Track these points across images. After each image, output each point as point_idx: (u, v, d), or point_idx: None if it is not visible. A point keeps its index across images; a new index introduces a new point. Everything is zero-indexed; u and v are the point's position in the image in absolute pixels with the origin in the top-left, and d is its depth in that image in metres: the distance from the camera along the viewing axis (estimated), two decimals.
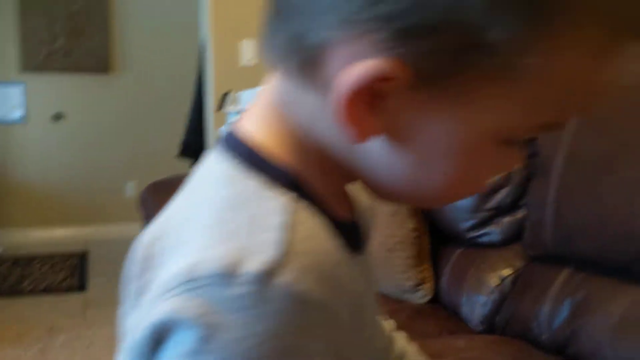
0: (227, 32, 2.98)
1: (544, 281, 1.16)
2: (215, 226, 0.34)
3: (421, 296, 1.43)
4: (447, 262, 1.45)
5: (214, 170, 0.39)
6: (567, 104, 0.36)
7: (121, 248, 0.36)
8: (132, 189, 4.41)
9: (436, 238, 1.49)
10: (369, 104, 0.34)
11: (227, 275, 0.31)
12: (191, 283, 0.31)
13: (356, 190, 0.47)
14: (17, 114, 4.27)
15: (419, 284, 1.42)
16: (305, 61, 0.36)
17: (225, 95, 2.84)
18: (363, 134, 0.35)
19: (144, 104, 4.39)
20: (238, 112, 2.50)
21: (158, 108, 4.40)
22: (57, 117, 4.30)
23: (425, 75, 0.33)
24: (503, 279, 1.28)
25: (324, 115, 0.37)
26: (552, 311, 1.10)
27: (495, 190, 1.34)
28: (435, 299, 1.44)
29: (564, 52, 0.32)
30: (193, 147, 3.37)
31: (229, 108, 2.76)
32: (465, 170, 0.38)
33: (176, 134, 3.74)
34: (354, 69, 0.33)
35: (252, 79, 2.75)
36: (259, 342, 0.30)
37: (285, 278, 0.31)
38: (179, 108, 4.04)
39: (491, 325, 1.28)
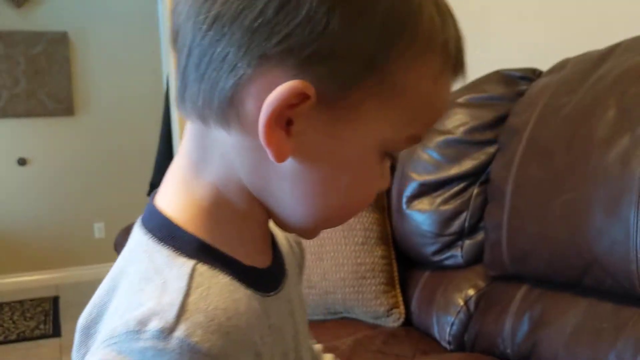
0: None
1: (505, 299, 1.25)
2: (133, 296, 0.42)
3: (394, 320, 1.50)
4: (416, 286, 1.53)
5: (135, 244, 0.47)
6: (423, 118, 0.46)
7: (93, 290, 0.42)
8: (100, 231, 4.40)
9: (404, 263, 1.57)
10: (284, 129, 0.42)
11: (136, 332, 0.38)
12: (111, 339, 0.39)
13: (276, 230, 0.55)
14: None
15: (391, 309, 1.49)
16: (226, 104, 0.42)
17: None
18: (281, 154, 0.42)
19: (109, 144, 4.40)
20: None
21: (124, 148, 4.41)
22: (22, 162, 4.28)
23: (326, 96, 0.41)
24: (468, 299, 1.36)
25: (244, 150, 0.44)
26: (513, 326, 1.18)
27: (455, 215, 1.43)
28: (408, 322, 1.51)
29: (419, 72, 0.43)
30: None
31: None
32: (360, 182, 0.46)
33: (143, 173, 3.76)
34: (271, 94, 0.40)
35: None
36: None
37: (180, 333, 0.38)
38: (145, 147, 4.07)
39: (460, 344, 1.35)
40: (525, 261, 1.18)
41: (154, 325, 0.38)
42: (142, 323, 0.38)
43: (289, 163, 0.43)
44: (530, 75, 1.43)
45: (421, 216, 1.46)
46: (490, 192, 1.34)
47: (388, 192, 1.57)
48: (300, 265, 0.62)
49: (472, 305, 1.35)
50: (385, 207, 1.57)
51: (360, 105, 0.42)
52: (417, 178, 1.47)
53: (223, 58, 0.41)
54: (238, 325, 0.41)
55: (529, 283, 1.21)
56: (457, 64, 0.46)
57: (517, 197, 1.19)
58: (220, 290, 0.42)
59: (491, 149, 1.40)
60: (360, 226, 1.53)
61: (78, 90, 4.37)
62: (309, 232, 0.50)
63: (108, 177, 4.40)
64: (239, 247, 0.46)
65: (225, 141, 0.44)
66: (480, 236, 1.41)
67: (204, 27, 0.41)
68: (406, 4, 0.41)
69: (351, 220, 1.52)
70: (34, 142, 4.30)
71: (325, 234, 1.53)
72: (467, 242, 1.43)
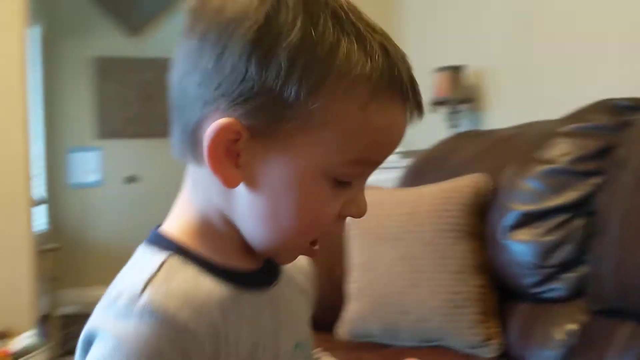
0: None
1: (607, 335, 1.21)
2: (121, 279, 0.52)
3: (490, 351, 1.47)
4: (513, 317, 1.50)
5: (134, 256, 0.57)
6: (357, 145, 0.50)
7: None
8: None
9: (502, 294, 1.55)
10: (234, 160, 0.51)
11: (114, 300, 0.49)
12: (97, 309, 0.51)
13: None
14: (93, 177, 4.56)
15: (487, 339, 1.47)
16: (192, 142, 0.52)
17: None
18: (229, 181, 0.51)
19: None
20: None
21: None
22: (131, 179, 4.56)
23: (256, 129, 0.49)
24: (568, 333, 1.32)
25: (212, 180, 0.52)
26: None
27: (557, 247, 1.40)
28: (505, 354, 1.48)
29: (339, 104, 0.49)
30: None
31: None
32: (307, 205, 0.52)
33: None
34: (206, 132, 0.50)
35: None
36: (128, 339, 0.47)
37: (142, 301, 0.48)
38: None
39: None
40: (630, 296, 1.14)
41: (125, 296, 0.48)
42: (117, 297, 0.49)
43: (243, 190, 0.52)
44: (638, 105, 1.39)
45: (521, 247, 1.44)
46: (596, 224, 1.30)
47: (485, 221, 1.56)
48: (310, 286, 0.67)
49: (572, 340, 1.31)
50: (482, 236, 1.56)
51: (290, 136, 0.49)
52: (518, 208, 1.46)
53: (185, 107, 0.52)
54: (196, 297, 0.50)
55: (633, 319, 1.16)
56: (395, 92, 0.50)
57: (624, 230, 1.15)
58: (184, 274, 0.51)
59: (595, 180, 1.36)
60: (454, 254, 1.53)
61: None
62: (277, 255, 0.57)
63: None
64: (220, 254, 0.54)
65: (201, 174, 0.54)
66: (582, 269, 1.37)
67: (176, 85, 0.53)
68: (315, 45, 0.48)
69: (446, 249, 1.53)
70: (144, 161, 4.58)
71: (419, 261, 1.54)
72: (569, 275, 1.39)
